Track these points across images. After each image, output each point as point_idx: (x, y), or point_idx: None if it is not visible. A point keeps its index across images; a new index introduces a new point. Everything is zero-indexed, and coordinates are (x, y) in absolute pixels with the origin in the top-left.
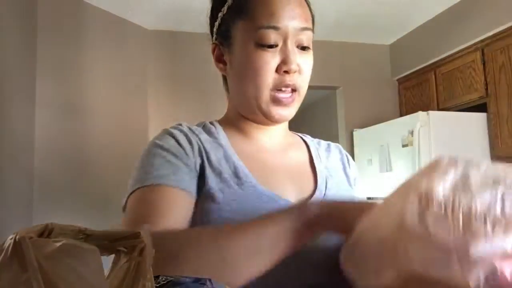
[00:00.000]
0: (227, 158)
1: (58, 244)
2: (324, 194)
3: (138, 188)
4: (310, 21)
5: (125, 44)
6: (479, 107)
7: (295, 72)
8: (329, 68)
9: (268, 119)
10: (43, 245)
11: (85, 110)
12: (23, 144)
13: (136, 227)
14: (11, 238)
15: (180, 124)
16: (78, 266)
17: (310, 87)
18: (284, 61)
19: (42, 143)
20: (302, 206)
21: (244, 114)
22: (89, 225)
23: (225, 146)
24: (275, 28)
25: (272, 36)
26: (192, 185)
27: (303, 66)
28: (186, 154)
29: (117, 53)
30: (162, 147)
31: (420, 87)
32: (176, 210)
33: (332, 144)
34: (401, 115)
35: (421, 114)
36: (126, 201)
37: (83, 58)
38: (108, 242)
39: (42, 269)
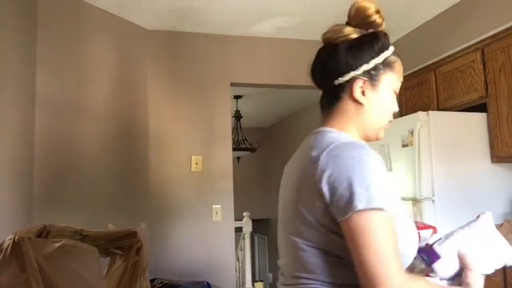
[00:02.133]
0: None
1: (57, 245)
2: None
3: (373, 210)
4: None
5: (125, 44)
6: (479, 107)
7: None
8: None
9: (375, 140)
10: (42, 245)
11: (85, 110)
12: (23, 144)
13: (392, 263)
14: (10, 239)
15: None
16: (77, 266)
17: (310, 87)
18: (397, 107)
19: (42, 142)
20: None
21: (367, 136)
22: (89, 225)
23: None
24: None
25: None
26: None
27: None
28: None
29: (117, 53)
30: (382, 168)
31: (420, 87)
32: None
33: None
34: (401, 115)
35: (421, 114)
36: (353, 215)
37: (83, 58)
38: (105, 242)
39: (41, 269)
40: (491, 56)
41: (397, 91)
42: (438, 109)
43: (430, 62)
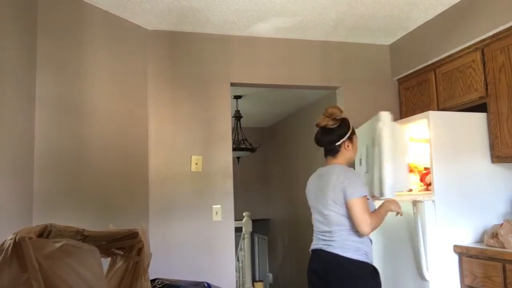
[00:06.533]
0: None
1: (58, 245)
2: None
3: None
4: None
5: (125, 44)
6: (479, 107)
7: None
8: (329, 68)
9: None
10: (43, 245)
11: (85, 110)
12: (23, 144)
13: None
14: (11, 239)
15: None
16: (78, 266)
17: (310, 87)
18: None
19: (42, 143)
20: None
21: (349, 164)
22: (89, 225)
23: None
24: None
25: None
26: None
27: None
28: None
29: (117, 53)
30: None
31: (420, 87)
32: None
33: None
34: (401, 115)
35: (421, 114)
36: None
37: (83, 58)
38: (106, 243)
39: (42, 269)
40: (491, 56)
41: (357, 142)
42: (438, 109)
43: (430, 62)
